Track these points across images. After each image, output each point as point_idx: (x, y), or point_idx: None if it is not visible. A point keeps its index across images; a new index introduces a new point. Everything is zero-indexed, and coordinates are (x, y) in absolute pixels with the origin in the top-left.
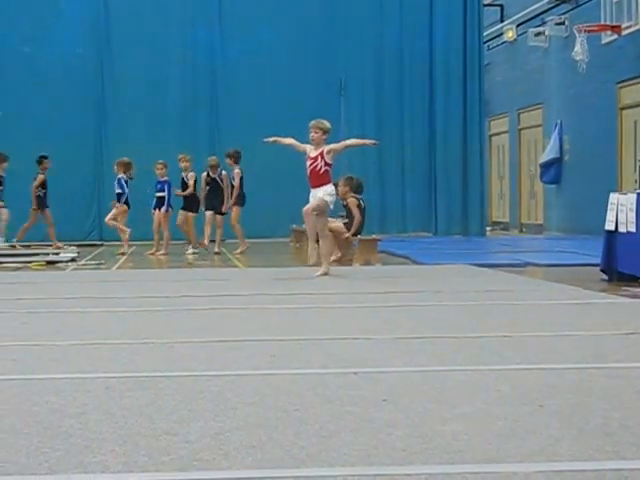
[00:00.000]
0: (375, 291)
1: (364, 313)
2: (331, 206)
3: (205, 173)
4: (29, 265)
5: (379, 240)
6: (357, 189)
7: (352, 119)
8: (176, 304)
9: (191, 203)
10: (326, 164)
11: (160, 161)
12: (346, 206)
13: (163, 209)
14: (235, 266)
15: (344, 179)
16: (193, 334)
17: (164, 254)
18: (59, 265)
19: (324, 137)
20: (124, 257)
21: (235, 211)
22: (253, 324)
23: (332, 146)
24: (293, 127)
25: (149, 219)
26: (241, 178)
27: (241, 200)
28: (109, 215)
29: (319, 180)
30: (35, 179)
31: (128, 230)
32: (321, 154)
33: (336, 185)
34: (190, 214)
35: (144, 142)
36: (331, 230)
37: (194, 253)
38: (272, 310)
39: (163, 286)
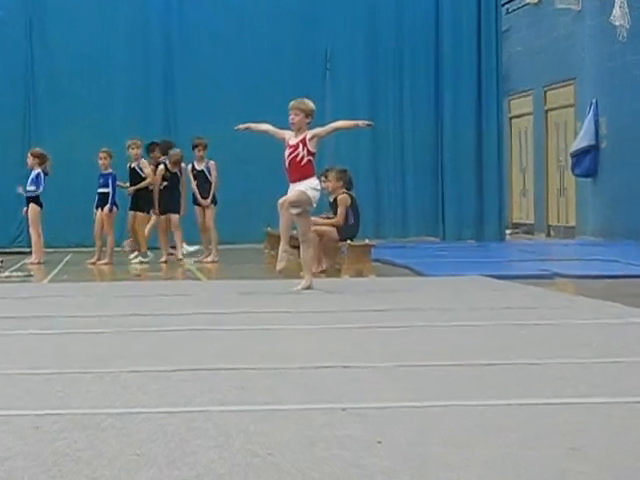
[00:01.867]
0: (368, 309)
1: (354, 336)
2: (314, 204)
3: (162, 166)
4: None
5: (373, 246)
6: (348, 185)
7: (340, 98)
8: (122, 325)
9: (144, 200)
10: (309, 153)
11: (104, 149)
12: (334, 203)
13: (106, 208)
14: (195, 278)
15: (336, 172)
16: (143, 361)
17: (107, 263)
18: None
19: (307, 120)
20: (36, 267)
21: (212, 210)
22: (217, 349)
23: (316, 131)
24: (268, 109)
25: (90, 220)
26: None
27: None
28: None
29: (300, 172)
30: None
31: (41, 238)
32: (303, 141)
33: (321, 177)
34: (139, 213)
35: (82, 127)
36: (320, 234)
37: (142, 262)
38: (241, 332)
39: (106, 303)
